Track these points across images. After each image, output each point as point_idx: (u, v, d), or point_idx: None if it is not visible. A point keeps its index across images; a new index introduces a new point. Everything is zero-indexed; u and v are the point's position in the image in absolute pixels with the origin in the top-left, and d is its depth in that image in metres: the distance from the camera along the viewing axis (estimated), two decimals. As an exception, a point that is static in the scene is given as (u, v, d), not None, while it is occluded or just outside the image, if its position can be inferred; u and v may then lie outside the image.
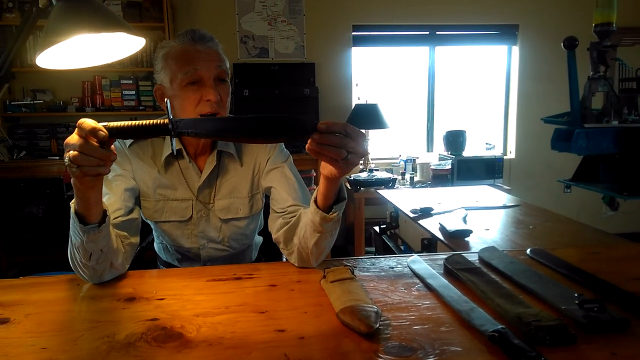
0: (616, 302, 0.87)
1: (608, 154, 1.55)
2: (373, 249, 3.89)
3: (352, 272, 0.99)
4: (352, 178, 3.79)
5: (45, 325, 0.83)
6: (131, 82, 4.03)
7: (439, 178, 3.83)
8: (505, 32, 4.36)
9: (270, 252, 1.55)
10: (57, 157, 3.87)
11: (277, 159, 1.26)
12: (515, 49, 4.43)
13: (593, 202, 4.27)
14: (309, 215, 1.03)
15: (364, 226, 3.63)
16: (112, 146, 0.87)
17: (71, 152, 0.81)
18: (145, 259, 1.57)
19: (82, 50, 0.86)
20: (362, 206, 3.63)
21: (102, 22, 0.77)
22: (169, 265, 1.39)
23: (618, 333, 0.77)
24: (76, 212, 0.92)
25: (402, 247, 1.91)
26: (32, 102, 3.92)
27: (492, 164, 3.84)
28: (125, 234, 1.11)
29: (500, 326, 0.75)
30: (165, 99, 0.86)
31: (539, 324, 0.75)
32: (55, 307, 0.92)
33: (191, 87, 1.15)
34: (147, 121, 0.83)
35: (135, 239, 1.15)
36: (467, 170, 3.83)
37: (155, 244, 1.44)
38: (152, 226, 1.33)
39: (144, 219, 1.28)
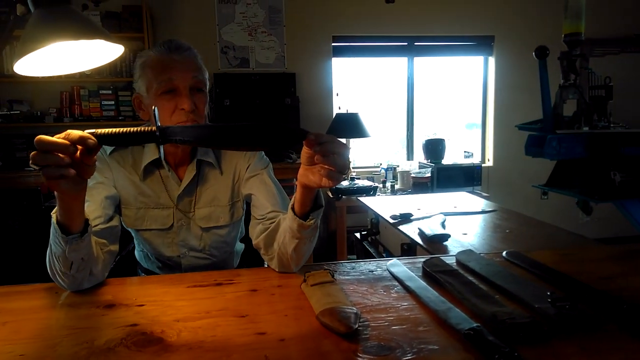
0: (587, 300, 0.90)
1: (580, 159, 1.60)
2: (355, 256, 3.91)
3: (332, 276, 1.01)
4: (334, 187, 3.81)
5: (22, 333, 0.83)
6: (110, 92, 4.00)
7: (419, 186, 3.88)
8: (481, 43, 4.46)
9: (252, 260, 1.55)
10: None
11: (257, 166, 1.27)
12: (492, 60, 4.53)
13: (569, 208, 4.36)
14: (287, 222, 1.04)
15: (345, 234, 3.65)
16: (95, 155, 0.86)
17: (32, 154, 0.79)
18: (125, 266, 1.56)
19: (60, 58, 0.86)
20: (343, 214, 3.65)
21: (80, 29, 0.77)
22: (149, 273, 1.39)
23: (588, 329, 0.79)
24: (58, 222, 0.92)
25: (383, 254, 1.93)
26: (8, 112, 3.86)
27: (471, 172, 3.91)
28: (105, 241, 1.10)
29: (475, 324, 0.77)
30: (153, 107, 0.87)
31: (512, 322, 0.78)
32: (33, 315, 0.91)
33: (166, 96, 1.16)
34: (135, 128, 0.83)
35: (115, 247, 1.14)
36: (446, 177, 3.89)
37: (136, 252, 1.43)
38: (133, 234, 1.32)
39: (124, 226, 1.27)
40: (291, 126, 0.85)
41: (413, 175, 3.93)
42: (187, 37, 4.06)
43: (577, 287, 0.96)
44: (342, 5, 4.22)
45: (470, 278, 1.02)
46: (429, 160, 4.06)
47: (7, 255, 3.53)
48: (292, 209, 1.01)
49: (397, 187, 4.00)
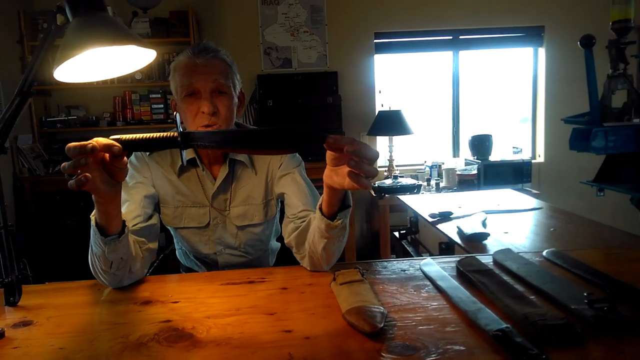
0: (628, 302, 0.85)
1: (632, 153, 1.51)
2: (395, 255, 3.87)
3: (362, 275, 1.00)
4: (376, 185, 3.79)
5: (64, 327, 0.87)
6: (159, 95, 4.15)
7: (465, 183, 3.78)
8: (531, 34, 4.30)
9: (288, 258, 1.57)
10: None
11: (289, 165, 1.29)
12: (542, 51, 4.35)
13: (628, 205, 4.15)
14: (316, 222, 1.05)
15: (389, 233, 3.61)
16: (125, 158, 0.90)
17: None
18: (169, 264, 1.62)
19: (97, 64, 0.90)
20: (386, 213, 3.61)
21: (112, 35, 0.81)
22: (189, 270, 1.43)
23: (628, 333, 0.75)
24: (97, 224, 0.96)
25: (422, 254, 1.90)
26: (66, 117, 4.09)
27: (520, 168, 3.77)
28: (144, 239, 1.15)
29: (504, 325, 0.75)
30: (175, 113, 0.90)
31: (544, 323, 0.75)
32: (76, 311, 0.96)
33: (189, 99, 1.20)
34: (157, 134, 0.87)
35: (154, 245, 1.19)
36: (494, 174, 3.77)
37: (176, 250, 1.48)
38: (172, 232, 1.37)
39: (164, 224, 1.32)
40: (307, 130, 0.86)
41: (458, 172, 3.84)
42: (231, 39, 4.15)
43: (619, 288, 0.91)
44: (384, 1, 4.18)
45: (506, 278, 0.99)
46: (476, 157, 3.95)
47: (67, 254, 3.75)
48: (320, 209, 1.02)
49: (442, 185, 3.92)
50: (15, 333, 0.85)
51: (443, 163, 4.12)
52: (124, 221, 0.99)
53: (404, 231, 2.10)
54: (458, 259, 1.12)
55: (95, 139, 0.84)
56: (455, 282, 0.99)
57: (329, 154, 0.90)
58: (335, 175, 0.91)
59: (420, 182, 3.85)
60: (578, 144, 1.48)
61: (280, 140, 0.85)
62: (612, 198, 4.26)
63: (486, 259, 1.13)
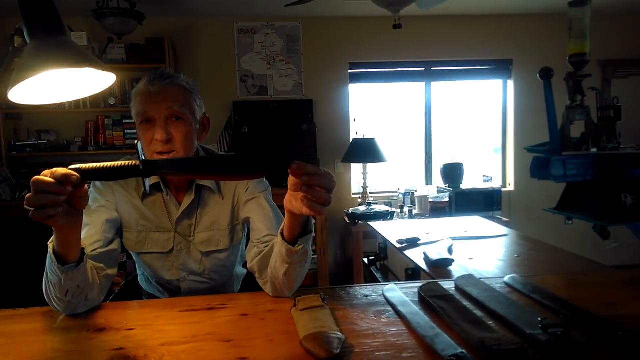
0: (583, 326, 0.86)
1: (589, 182, 1.56)
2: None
3: (323, 300, 0.99)
4: (350, 212, 3.80)
5: (12, 356, 0.84)
6: (133, 121, 4.11)
7: (437, 210, 3.83)
8: (500, 66, 4.44)
9: (254, 284, 1.54)
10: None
11: (255, 190, 1.28)
12: (511, 83, 4.49)
13: (595, 234, 4.23)
14: (277, 247, 1.04)
15: (362, 260, 3.61)
16: (85, 186, 0.89)
17: (26, 196, 0.81)
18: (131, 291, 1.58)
19: (55, 86, 0.89)
20: (360, 240, 3.62)
21: (70, 58, 0.80)
22: (151, 297, 1.40)
23: (580, 357, 0.76)
24: (54, 252, 0.94)
25: (390, 279, 1.90)
26: (36, 142, 4.02)
27: (491, 196, 3.84)
28: (102, 265, 1.12)
29: (459, 351, 0.75)
30: (136, 141, 0.90)
31: (499, 348, 0.75)
32: (26, 338, 0.93)
33: (144, 126, 1.20)
34: (119, 162, 0.85)
35: (113, 271, 1.16)
36: (465, 202, 3.83)
37: (139, 276, 1.45)
38: (134, 258, 1.34)
39: (126, 249, 1.29)
40: (273, 155, 0.86)
41: (431, 200, 3.89)
42: (207, 67, 4.17)
43: (574, 313, 0.92)
44: (358, 33, 4.28)
45: (466, 303, 1.00)
46: (447, 185, 4.01)
47: (32, 281, 3.62)
48: (282, 234, 1.01)
49: (415, 212, 3.95)
50: (-43, 363, 0.82)
51: (416, 190, 4.17)
52: (83, 248, 0.97)
53: (373, 257, 2.10)
54: (421, 284, 1.13)
55: (53, 169, 0.82)
56: (415, 308, 0.99)
57: (290, 179, 0.90)
58: (295, 201, 0.91)
59: (394, 209, 3.87)
60: (538, 172, 1.52)
61: (243, 167, 0.84)
62: (580, 226, 4.35)
63: (448, 285, 1.14)
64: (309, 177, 0.84)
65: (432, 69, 4.42)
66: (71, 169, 0.83)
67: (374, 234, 3.55)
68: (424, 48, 4.33)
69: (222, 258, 1.32)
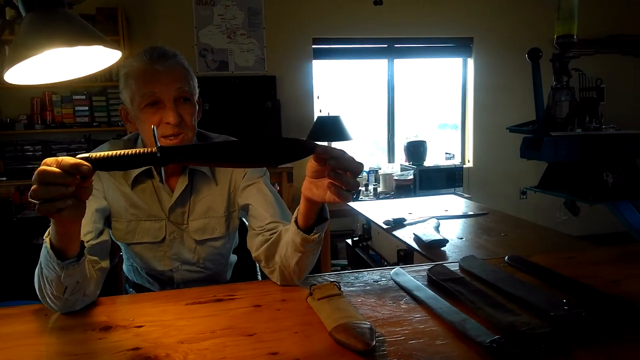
0: (599, 306, 0.89)
1: (572, 161, 1.61)
2: (340, 261, 3.88)
3: (339, 288, 0.97)
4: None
5: (14, 363, 0.77)
6: (84, 97, 3.88)
7: (402, 188, 3.88)
8: (460, 45, 4.50)
9: (244, 272, 1.50)
10: (4, 178, 3.67)
11: (253, 175, 1.23)
12: (470, 61, 4.57)
13: (548, 207, 4.45)
14: (290, 235, 1.00)
15: (329, 239, 3.61)
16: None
17: (32, 187, 0.73)
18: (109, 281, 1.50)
19: (54, 64, 0.80)
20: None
21: (76, 34, 0.72)
22: (139, 287, 1.33)
23: (608, 338, 0.78)
24: (52, 247, 0.86)
25: (379, 261, 1.91)
26: (-26, 120, 3.71)
27: (453, 173, 3.93)
28: (96, 258, 1.04)
29: (496, 336, 0.75)
30: (152, 126, 0.82)
31: (533, 332, 0.76)
32: (24, 341, 0.85)
33: (150, 109, 1.11)
34: (133, 150, 0.77)
35: (106, 263, 1.08)
36: (428, 180, 3.90)
37: (124, 266, 1.37)
38: (123, 248, 1.26)
39: (114, 240, 1.21)
40: (299, 140, 0.81)
41: (396, 177, 3.93)
42: (163, 39, 3.96)
43: (587, 293, 0.95)
44: (322, 7, 4.20)
45: (478, 286, 1.00)
46: (411, 163, 4.06)
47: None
48: (296, 222, 0.97)
49: (379, 189, 3.99)
50: (-46, 373, 0.74)
51: (380, 168, 4.20)
52: (82, 242, 0.89)
53: (357, 238, 2.10)
54: (426, 267, 1.13)
55: (59, 158, 0.74)
56: (431, 292, 0.98)
57: (310, 165, 0.86)
58: (315, 188, 0.87)
59: (359, 188, 3.89)
60: (529, 153, 1.56)
61: (268, 153, 0.79)
62: (533, 200, 4.58)
63: (452, 267, 1.14)
64: (336, 161, 0.80)
65: (395, 45, 4.42)
66: (80, 158, 0.75)
67: (341, 213, 3.56)
68: (387, 25, 4.31)
69: (218, 246, 1.26)
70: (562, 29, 1.51)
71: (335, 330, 0.81)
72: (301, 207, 0.95)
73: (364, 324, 0.81)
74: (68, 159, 0.73)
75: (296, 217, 0.98)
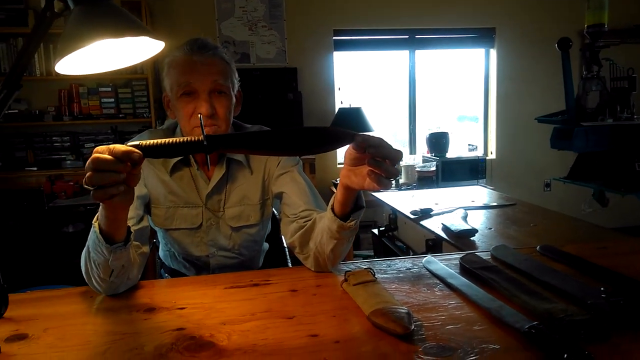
0: (635, 294, 0.89)
1: (601, 152, 1.60)
2: (363, 252, 3.90)
3: (374, 275, 0.99)
4: (337, 181, 3.79)
5: (67, 340, 0.80)
6: (110, 89, 3.95)
7: (424, 180, 3.87)
8: (483, 35, 4.45)
9: (274, 259, 1.53)
10: (35, 168, 3.77)
11: (287, 163, 1.25)
12: (493, 52, 4.52)
13: (572, 199, 4.40)
14: (326, 222, 1.02)
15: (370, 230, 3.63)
16: None
17: (87, 175, 0.76)
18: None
19: (100, 55, 0.83)
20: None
21: (124, 26, 0.74)
22: (175, 272, 1.36)
23: (644, 325, 0.78)
24: (100, 231, 0.89)
25: (406, 251, 1.92)
26: (6, 111, 3.79)
27: (476, 165, 3.91)
28: (138, 243, 1.08)
29: (534, 322, 0.76)
30: (199, 115, 0.85)
31: (571, 319, 0.77)
32: (73, 321, 0.89)
33: (185, 98, 1.14)
34: (181, 138, 0.80)
35: (146, 248, 1.12)
36: (451, 171, 3.88)
37: (161, 252, 1.41)
38: (161, 234, 1.30)
39: (152, 226, 1.25)
40: (339, 128, 0.83)
41: (418, 169, 3.92)
42: (186, 32, 4.00)
43: (622, 282, 0.95)
44: (343, -1, 4.20)
45: (512, 274, 1.01)
46: (433, 154, 4.05)
47: (8, 256, 3.49)
48: (332, 209, 0.99)
49: (401, 181, 3.98)
50: (12, 348, 0.77)
51: (402, 160, 4.19)
52: (129, 227, 0.92)
53: (383, 228, 2.11)
54: (456, 256, 1.14)
55: (111, 145, 0.76)
56: (465, 280, 0.99)
57: (349, 154, 0.88)
58: (354, 175, 0.89)
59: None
60: (559, 143, 1.55)
61: (309, 141, 0.81)
62: (557, 192, 4.53)
63: (484, 256, 1.15)
64: (376, 149, 0.82)
65: (417, 36, 4.39)
66: (131, 146, 0.77)
67: (366, 204, 3.57)
68: (408, 15, 4.29)
69: (252, 233, 1.29)
70: (592, 18, 1.49)
71: (373, 314, 0.83)
72: (338, 194, 0.97)
73: (402, 308, 0.83)
74: (120, 147, 0.76)
75: (332, 205, 0.99)
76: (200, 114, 1.08)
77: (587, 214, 4.36)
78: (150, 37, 0.78)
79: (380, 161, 0.83)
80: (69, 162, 3.89)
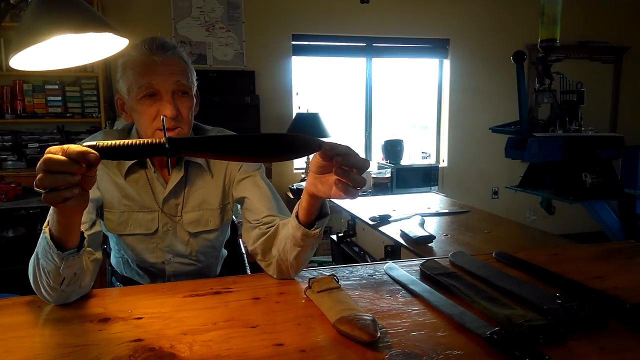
0: (588, 300, 0.93)
1: (552, 162, 1.67)
2: (318, 258, 3.89)
3: (337, 281, 0.98)
4: (294, 187, 3.78)
5: (14, 354, 0.75)
6: (57, 87, 3.76)
7: (379, 186, 3.92)
8: (437, 45, 4.58)
9: (233, 266, 1.50)
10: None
11: (249, 167, 1.23)
12: (447, 62, 4.66)
13: (518, 207, 4.59)
14: (290, 230, 1.01)
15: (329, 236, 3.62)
16: None
17: (38, 176, 0.71)
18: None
19: (59, 51, 0.79)
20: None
21: (86, 20, 0.71)
22: (128, 280, 1.31)
23: (597, 329, 0.82)
24: (52, 237, 0.84)
25: (364, 257, 1.93)
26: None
27: (429, 172, 4.01)
28: (91, 249, 1.03)
29: (496, 328, 0.78)
30: (162, 116, 0.81)
31: (530, 324, 0.79)
32: (19, 333, 0.83)
33: (147, 101, 1.10)
34: (141, 140, 0.76)
35: (99, 254, 1.06)
36: (405, 178, 3.96)
37: (112, 258, 1.34)
38: (114, 239, 1.24)
39: (104, 231, 1.19)
40: (306, 136, 0.82)
41: (373, 175, 3.97)
42: (140, 30, 3.88)
43: (574, 287, 0.99)
44: (302, 4, 4.20)
45: (471, 280, 1.03)
46: (388, 161, 4.11)
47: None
48: (297, 217, 0.98)
49: (357, 187, 4.02)
50: (-49, 365, 0.72)
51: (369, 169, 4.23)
52: (82, 232, 0.87)
53: (342, 234, 2.12)
54: (417, 262, 1.16)
55: (65, 145, 0.72)
56: (427, 286, 1.01)
57: (315, 161, 0.87)
58: (320, 184, 0.88)
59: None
60: (513, 152, 1.61)
61: (275, 147, 0.80)
62: (505, 200, 4.71)
63: (443, 262, 1.17)
64: (343, 157, 0.82)
65: (374, 44, 4.46)
66: (87, 146, 0.73)
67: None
68: (366, 24, 4.35)
69: (211, 238, 1.26)
70: (546, 33, 1.56)
71: (339, 322, 0.82)
72: (303, 202, 0.96)
73: (367, 316, 0.83)
74: (75, 147, 0.71)
75: (297, 212, 0.98)
76: (164, 116, 1.04)
77: (531, 221, 4.57)
78: (114, 33, 0.75)
79: (348, 170, 0.83)
80: (10, 162, 3.67)
